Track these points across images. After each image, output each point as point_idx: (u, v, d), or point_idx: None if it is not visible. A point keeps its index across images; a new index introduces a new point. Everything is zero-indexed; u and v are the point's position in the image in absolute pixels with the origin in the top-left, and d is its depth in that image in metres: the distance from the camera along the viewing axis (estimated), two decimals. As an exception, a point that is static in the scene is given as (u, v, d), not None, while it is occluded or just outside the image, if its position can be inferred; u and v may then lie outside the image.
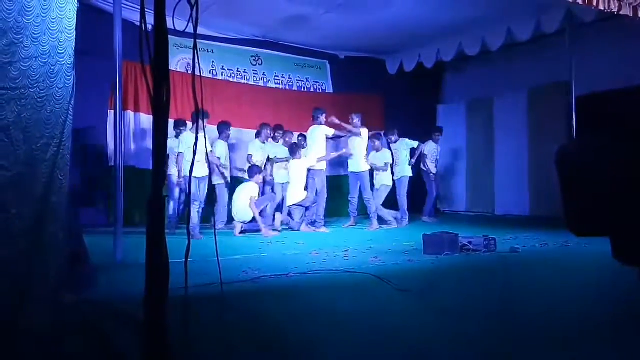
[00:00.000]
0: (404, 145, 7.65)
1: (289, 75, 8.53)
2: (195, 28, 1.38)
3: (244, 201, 6.30)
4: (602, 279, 3.26)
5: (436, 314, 2.64)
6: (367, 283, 3.30)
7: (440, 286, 3.36)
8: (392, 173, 7.45)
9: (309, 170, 6.79)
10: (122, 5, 4.32)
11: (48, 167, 2.43)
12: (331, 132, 6.99)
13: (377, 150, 7.38)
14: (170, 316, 1.47)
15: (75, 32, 2.62)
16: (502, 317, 2.57)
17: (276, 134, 7.22)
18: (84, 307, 2.47)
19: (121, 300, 2.54)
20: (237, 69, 8.03)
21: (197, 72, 1.39)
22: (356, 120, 7.11)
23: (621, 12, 5.32)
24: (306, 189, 6.82)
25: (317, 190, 6.82)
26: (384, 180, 7.29)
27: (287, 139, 7.23)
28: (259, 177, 6.57)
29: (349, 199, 7.24)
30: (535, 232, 5.93)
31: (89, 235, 3.73)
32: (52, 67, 2.41)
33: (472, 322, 2.48)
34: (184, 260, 1.45)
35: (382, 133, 7.98)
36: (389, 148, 7.73)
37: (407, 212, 7.36)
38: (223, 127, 6.66)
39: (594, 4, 5.09)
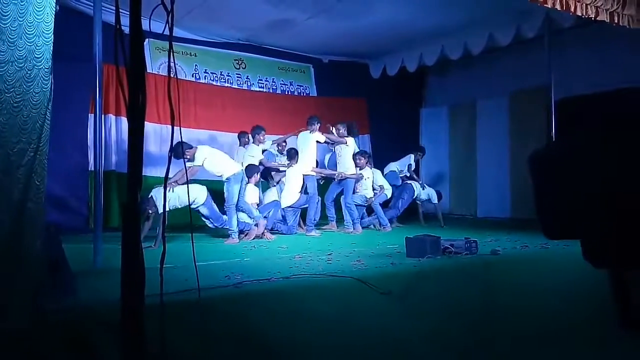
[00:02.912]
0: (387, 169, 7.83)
1: (273, 79, 8.52)
2: (170, 32, 1.38)
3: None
4: (579, 280, 3.32)
5: (417, 315, 2.66)
6: (350, 286, 3.31)
7: (421, 288, 3.38)
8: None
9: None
10: (102, 7, 4.27)
11: (24, 173, 2.39)
12: (322, 138, 7.02)
13: (361, 168, 7.36)
14: (149, 322, 1.46)
15: (52, 36, 2.59)
16: (482, 317, 2.60)
17: (278, 147, 7.28)
18: (62, 315, 2.43)
19: (100, 307, 2.51)
20: (221, 72, 8.00)
21: (172, 75, 1.38)
22: (342, 130, 7.15)
23: (598, 18, 5.43)
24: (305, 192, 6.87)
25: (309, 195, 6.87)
26: (366, 192, 7.37)
27: (282, 144, 7.29)
28: (257, 178, 6.53)
29: (326, 203, 7.22)
30: (516, 234, 6.01)
31: (68, 241, 3.68)
32: (29, 72, 2.38)
33: (452, 323, 2.51)
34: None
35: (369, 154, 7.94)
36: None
37: (384, 217, 7.37)
38: (255, 131, 6.80)
39: (572, 10, 5.19)
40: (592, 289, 2.33)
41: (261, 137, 6.89)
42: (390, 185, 7.73)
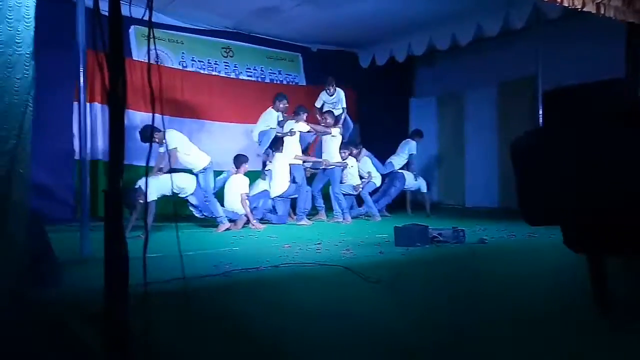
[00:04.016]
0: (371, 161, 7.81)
1: (261, 68, 8.45)
2: (150, 19, 1.35)
3: (235, 196, 6.24)
4: (564, 267, 3.36)
5: (405, 303, 2.69)
6: (338, 275, 3.32)
7: (409, 277, 3.41)
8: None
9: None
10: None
11: (6, 161, 2.35)
12: (307, 128, 7.02)
13: (344, 158, 7.35)
14: (134, 311, 1.45)
15: (34, 21, 2.53)
16: (469, 305, 2.63)
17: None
18: (46, 304, 2.41)
19: (85, 296, 2.48)
20: (208, 60, 7.91)
21: (152, 61, 1.36)
22: (329, 119, 7.18)
23: (585, 9, 5.43)
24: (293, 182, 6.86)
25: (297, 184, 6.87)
26: (352, 180, 7.40)
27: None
28: (246, 167, 6.49)
29: (314, 193, 7.23)
30: (504, 223, 6.07)
31: (55, 230, 3.64)
32: (9, 57, 2.33)
33: (440, 310, 2.53)
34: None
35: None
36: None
37: (373, 207, 7.41)
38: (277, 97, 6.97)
39: (558, 0, 5.19)
40: (576, 276, 2.36)
41: (281, 106, 6.97)
42: (380, 173, 7.74)
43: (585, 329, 2.10)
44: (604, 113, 1.31)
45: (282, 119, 7.08)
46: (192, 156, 5.96)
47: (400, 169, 8.06)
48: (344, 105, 7.62)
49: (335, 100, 7.65)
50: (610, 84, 1.71)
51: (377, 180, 7.66)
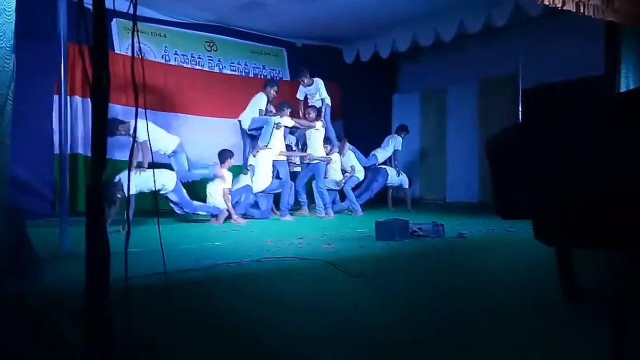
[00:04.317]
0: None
1: (245, 62, 8.42)
2: (134, 13, 1.36)
3: (218, 190, 6.22)
4: (540, 261, 3.45)
5: (385, 297, 2.74)
6: (320, 269, 3.36)
7: (389, 271, 3.47)
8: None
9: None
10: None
11: (-15, 155, 2.33)
12: (291, 123, 7.04)
13: (327, 153, 7.41)
14: (115, 306, 1.46)
15: (14, 14, 2.50)
16: (448, 298, 2.69)
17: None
18: (24, 299, 2.40)
19: (65, 292, 2.48)
20: (191, 54, 7.85)
21: (138, 55, 1.37)
22: (313, 114, 7.21)
23: (565, 8, 5.54)
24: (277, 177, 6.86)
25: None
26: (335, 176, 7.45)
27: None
28: (230, 162, 6.47)
29: (297, 188, 7.27)
30: (483, 218, 6.17)
31: (34, 225, 3.60)
32: (-12, 51, 2.30)
33: (419, 304, 2.59)
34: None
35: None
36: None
37: (356, 202, 7.46)
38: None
39: (539, -1, 5.29)
40: (551, 270, 2.44)
41: (272, 92, 6.99)
42: (363, 167, 7.80)
43: (558, 322, 2.17)
44: (580, 111, 1.37)
45: (271, 109, 7.03)
46: (162, 140, 5.92)
47: (382, 163, 8.13)
48: (324, 96, 7.55)
49: (314, 91, 7.64)
50: (589, 82, 1.77)
51: (360, 174, 7.72)
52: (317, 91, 7.60)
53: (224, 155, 6.43)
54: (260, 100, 6.98)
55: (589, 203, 1.17)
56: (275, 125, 6.83)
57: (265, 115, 6.95)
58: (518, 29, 6.76)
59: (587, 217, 1.21)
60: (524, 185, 1.20)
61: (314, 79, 7.60)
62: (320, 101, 7.56)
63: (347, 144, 7.85)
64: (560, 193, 1.18)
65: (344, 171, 7.61)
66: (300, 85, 7.73)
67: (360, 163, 7.78)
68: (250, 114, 6.96)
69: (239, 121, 7.13)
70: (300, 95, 7.79)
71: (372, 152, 8.11)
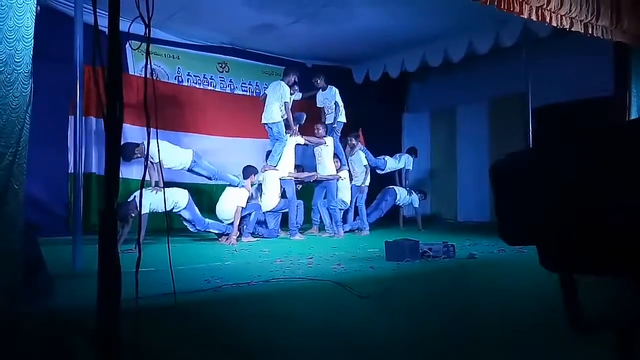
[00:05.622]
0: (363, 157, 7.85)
1: (256, 83, 8.55)
2: (147, 46, 1.41)
3: (230, 207, 6.22)
4: (551, 283, 3.42)
5: (394, 318, 2.72)
6: (329, 290, 3.35)
7: (399, 292, 3.45)
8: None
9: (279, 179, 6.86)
10: (84, 8, 4.27)
11: (3, 176, 2.39)
12: (302, 141, 7.08)
13: (352, 148, 7.49)
14: (125, 326, 1.49)
15: (33, 40, 2.60)
16: (457, 319, 2.68)
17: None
18: (37, 317, 2.43)
19: (76, 310, 2.51)
20: (204, 75, 8.01)
21: (149, 76, 1.41)
22: (321, 130, 7.24)
23: (572, 29, 5.57)
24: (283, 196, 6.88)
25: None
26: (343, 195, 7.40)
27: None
28: (254, 179, 6.48)
29: (312, 206, 7.28)
30: (494, 238, 6.10)
31: (48, 243, 3.65)
32: (9, 76, 2.39)
33: (428, 325, 2.57)
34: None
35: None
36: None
37: (366, 222, 7.46)
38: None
39: (547, 20, 5.32)
40: (560, 292, 2.42)
41: (293, 79, 6.93)
42: (372, 166, 7.81)
43: (566, 344, 2.15)
44: (588, 132, 1.37)
45: (293, 94, 6.96)
46: (177, 155, 5.99)
47: (388, 176, 8.13)
48: (338, 101, 7.51)
49: (328, 96, 7.59)
50: (600, 103, 1.78)
51: (367, 180, 7.70)
52: (331, 97, 7.58)
53: (249, 171, 6.46)
54: (282, 89, 6.75)
55: (594, 229, 1.18)
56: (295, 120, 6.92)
57: (292, 96, 6.94)
58: (527, 49, 6.80)
59: (592, 243, 1.21)
60: (528, 211, 1.21)
61: (330, 86, 7.57)
62: (334, 105, 7.52)
63: (359, 144, 7.82)
64: (565, 219, 1.19)
65: (351, 177, 7.56)
66: (319, 92, 7.65)
67: (370, 163, 7.79)
68: (273, 106, 6.78)
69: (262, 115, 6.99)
70: (319, 103, 7.71)
71: (382, 156, 8.13)
